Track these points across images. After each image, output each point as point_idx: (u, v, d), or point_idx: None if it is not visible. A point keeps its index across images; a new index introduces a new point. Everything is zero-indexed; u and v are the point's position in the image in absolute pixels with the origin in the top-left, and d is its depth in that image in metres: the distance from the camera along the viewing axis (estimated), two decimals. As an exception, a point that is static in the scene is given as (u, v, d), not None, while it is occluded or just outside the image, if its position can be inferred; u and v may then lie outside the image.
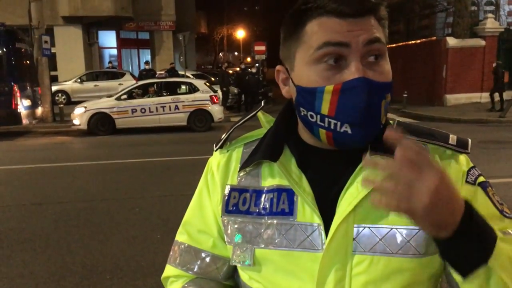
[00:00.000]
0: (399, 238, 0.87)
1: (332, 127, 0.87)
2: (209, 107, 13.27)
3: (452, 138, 0.97)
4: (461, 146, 0.97)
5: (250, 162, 0.98)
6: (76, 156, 10.27)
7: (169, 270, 1.10)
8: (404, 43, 20.21)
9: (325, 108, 0.86)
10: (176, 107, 13.19)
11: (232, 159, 1.04)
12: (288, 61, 0.93)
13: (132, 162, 9.10)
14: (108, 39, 26.14)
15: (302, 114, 0.92)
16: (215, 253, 1.04)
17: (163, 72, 17.28)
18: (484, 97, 17.16)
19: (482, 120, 13.58)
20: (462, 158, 0.98)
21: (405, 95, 16.33)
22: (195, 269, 1.06)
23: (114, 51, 26.80)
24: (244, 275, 0.99)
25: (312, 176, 0.93)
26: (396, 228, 0.87)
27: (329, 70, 0.86)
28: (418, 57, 18.26)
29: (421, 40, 18.97)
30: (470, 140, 0.99)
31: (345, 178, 0.91)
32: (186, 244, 1.08)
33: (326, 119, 0.87)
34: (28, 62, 14.69)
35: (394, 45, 20.96)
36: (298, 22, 0.89)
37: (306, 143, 0.97)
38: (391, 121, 1.00)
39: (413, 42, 19.30)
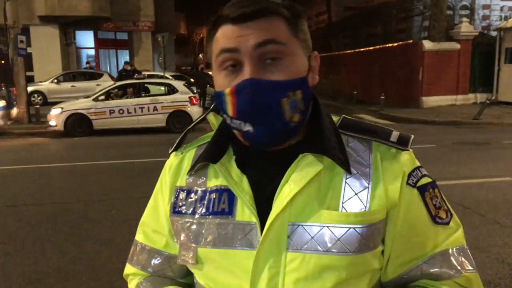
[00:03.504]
0: (330, 237, 0.90)
1: (239, 127, 0.92)
2: (188, 108, 13.22)
3: (394, 135, 0.99)
4: (402, 143, 0.98)
5: (196, 164, 1.02)
6: (52, 158, 10.12)
7: (128, 268, 1.15)
8: (381, 46, 20.48)
9: (229, 110, 0.92)
10: (155, 108, 13.11)
11: (184, 161, 1.07)
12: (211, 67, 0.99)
13: (109, 164, 9.01)
14: (86, 39, 25.84)
15: (223, 116, 0.97)
16: (168, 252, 1.08)
17: (142, 74, 17.11)
18: (459, 99, 17.50)
19: (457, 121, 13.84)
20: (405, 156, 0.98)
21: (382, 97, 16.54)
22: (150, 268, 1.10)
23: (92, 52, 26.53)
24: (194, 273, 1.03)
25: (252, 176, 0.96)
26: (328, 227, 0.90)
27: (230, 75, 0.91)
28: (395, 60, 18.51)
29: (398, 43, 19.24)
30: (412, 137, 1.00)
31: (280, 177, 0.93)
32: (142, 244, 1.11)
33: (233, 120, 0.92)
34: (3, 62, 14.42)
35: (371, 48, 21.22)
36: (210, 31, 0.95)
37: (246, 145, 0.98)
38: (335, 118, 1.02)
39: (390, 45, 19.56)
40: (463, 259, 0.97)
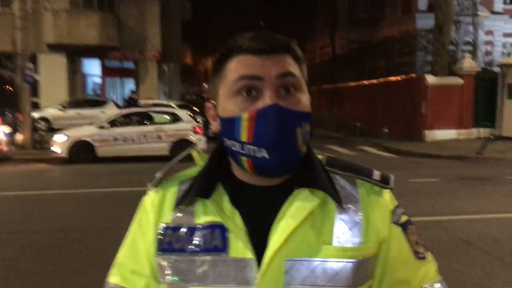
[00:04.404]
0: (328, 271, 0.92)
1: (251, 153, 0.92)
2: (192, 137, 13.29)
3: (376, 174, 1.03)
4: (385, 182, 1.02)
5: (184, 200, 1.00)
6: (55, 184, 10.13)
7: None
8: (384, 79, 20.65)
9: (244, 136, 0.92)
10: (159, 137, 13.17)
11: (166, 197, 1.04)
12: (215, 96, 1.00)
13: (111, 191, 9.01)
14: (92, 67, 26.19)
15: (225, 144, 0.97)
16: None
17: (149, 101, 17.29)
18: (462, 134, 17.53)
19: (461, 156, 13.80)
20: (387, 195, 1.03)
21: (385, 130, 16.58)
22: None
23: (98, 80, 26.83)
24: None
25: (245, 211, 0.96)
26: (326, 261, 0.92)
27: (246, 102, 0.93)
28: (399, 93, 18.63)
29: (401, 77, 19.40)
30: (393, 177, 1.04)
31: (275, 213, 0.94)
32: (118, 286, 1.06)
33: (246, 146, 0.93)
34: (10, 88, 14.61)
35: (375, 81, 21.40)
36: (221, 60, 0.98)
37: (239, 180, 1.00)
38: (320, 156, 1.05)
39: (394, 78, 19.72)
40: None
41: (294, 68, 0.95)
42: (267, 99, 0.91)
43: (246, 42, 0.94)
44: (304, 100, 0.96)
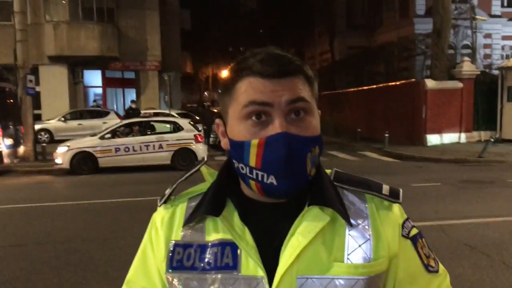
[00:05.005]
0: None
1: (259, 178, 0.92)
2: (194, 146, 13.31)
3: (385, 188, 1.03)
4: (394, 196, 1.03)
5: (194, 217, 0.99)
6: (58, 196, 10.15)
7: None
8: (384, 84, 20.68)
9: (252, 161, 0.92)
10: (160, 146, 13.21)
11: (176, 214, 1.04)
12: (224, 115, 1.00)
13: (114, 202, 9.03)
14: (94, 78, 26.29)
15: (235, 166, 0.97)
16: None
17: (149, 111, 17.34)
18: (463, 137, 17.54)
19: (462, 159, 13.81)
20: (396, 209, 1.03)
21: (386, 135, 16.59)
22: None
23: (99, 90, 26.92)
24: None
25: (255, 229, 0.96)
26: (337, 279, 0.92)
27: (255, 126, 0.92)
28: (398, 98, 18.66)
29: (401, 81, 19.43)
30: (401, 190, 1.04)
31: (286, 230, 0.94)
32: None
33: (254, 171, 0.92)
34: (11, 101, 14.68)
35: (374, 86, 21.43)
36: (231, 79, 0.96)
37: (248, 197, 1.00)
38: (328, 171, 1.05)
39: (393, 83, 19.74)
40: None
41: (305, 91, 0.93)
42: (276, 126, 0.90)
43: (257, 65, 0.92)
44: (314, 123, 0.95)
